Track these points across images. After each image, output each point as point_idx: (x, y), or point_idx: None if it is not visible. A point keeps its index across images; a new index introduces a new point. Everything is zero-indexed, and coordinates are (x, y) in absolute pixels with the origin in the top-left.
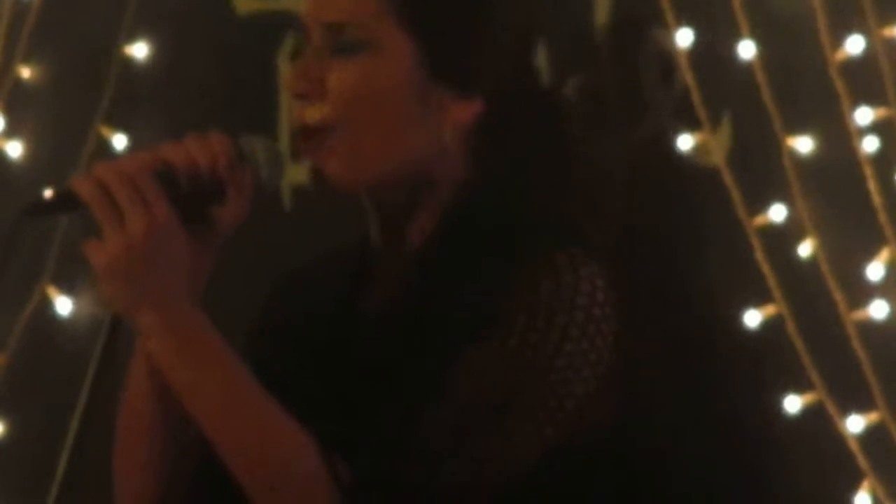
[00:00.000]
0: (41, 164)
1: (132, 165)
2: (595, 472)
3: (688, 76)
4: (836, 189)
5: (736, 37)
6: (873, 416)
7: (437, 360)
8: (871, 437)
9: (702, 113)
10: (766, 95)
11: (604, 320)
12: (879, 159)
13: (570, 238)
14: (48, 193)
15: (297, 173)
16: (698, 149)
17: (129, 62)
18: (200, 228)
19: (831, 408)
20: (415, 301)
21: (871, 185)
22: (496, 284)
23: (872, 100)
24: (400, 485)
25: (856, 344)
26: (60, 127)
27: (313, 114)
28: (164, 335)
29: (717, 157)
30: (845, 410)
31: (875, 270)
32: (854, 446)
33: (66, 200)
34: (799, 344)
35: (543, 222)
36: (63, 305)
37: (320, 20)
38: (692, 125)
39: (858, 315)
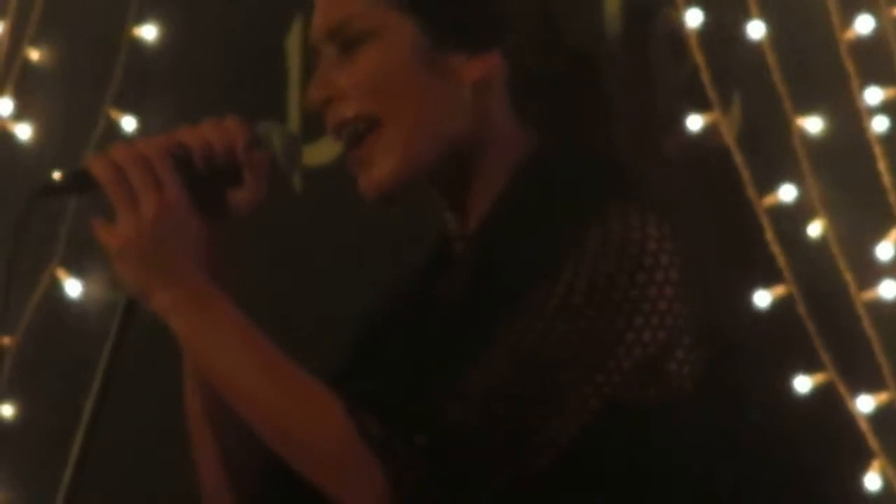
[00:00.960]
0: (50, 147)
1: (148, 147)
2: (651, 436)
3: (697, 56)
4: (846, 169)
5: (745, 17)
6: (883, 397)
7: (491, 318)
8: (881, 417)
9: (712, 93)
10: (776, 76)
11: (657, 269)
12: (889, 139)
13: (624, 188)
14: (60, 174)
15: (308, 156)
16: (708, 129)
17: (138, 44)
18: (216, 211)
19: (841, 388)
20: (470, 267)
21: (881, 165)
22: (548, 239)
23: (882, 80)
24: (439, 436)
25: (866, 324)
26: (70, 109)
27: (337, 114)
28: (180, 313)
29: (727, 138)
30: (855, 391)
31: (885, 250)
32: (864, 426)
33: (79, 180)
34: (809, 324)
35: (598, 177)
36: (73, 288)
37: (325, 29)
38: (702, 105)
39: (868, 295)
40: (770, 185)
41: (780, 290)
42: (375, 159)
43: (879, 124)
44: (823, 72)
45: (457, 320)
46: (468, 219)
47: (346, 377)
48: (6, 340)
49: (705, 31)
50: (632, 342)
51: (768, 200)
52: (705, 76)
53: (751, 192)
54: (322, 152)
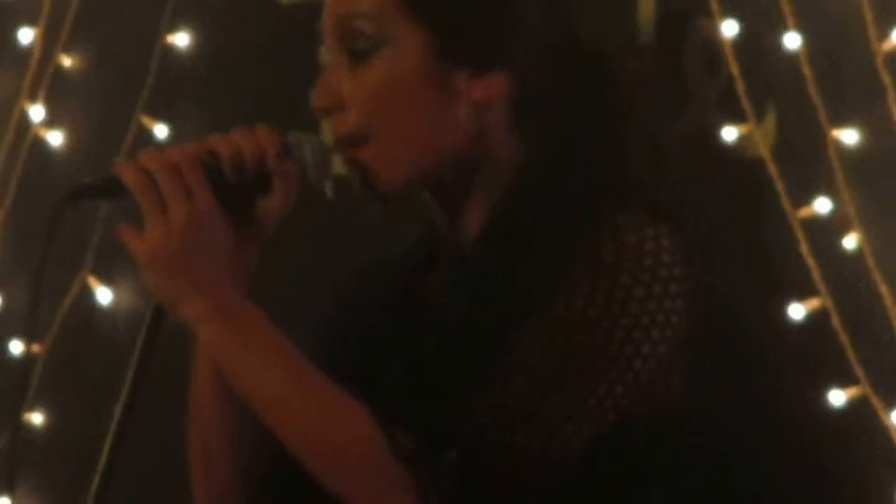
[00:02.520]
0: (82, 154)
1: (178, 154)
2: (656, 448)
3: (733, 67)
4: (882, 181)
5: (781, 28)
6: None
7: (505, 332)
8: None
9: (746, 104)
10: (812, 87)
11: (671, 281)
12: None
13: (634, 200)
14: (89, 179)
15: (340, 164)
16: (742, 140)
17: (170, 51)
18: (245, 220)
19: (876, 402)
20: (478, 278)
21: None
22: (559, 251)
23: None
24: (470, 452)
25: None
26: (101, 116)
27: (342, 125)
28: (208, 322)
29: (762, 149)
30: (890, 404)
31: None
32: None
33: (109, 186)
34: (843, 337)
35: (604, 186)
36: (103, 295)
37: (334, 15)
38: (736, 117)
39: None
40: (805, 198)
41: (814, 302)
42: (370, 170)
43: None
44: (859, 83)
45: (471, 331)
46: (462, 223)
47: (352, 382)
48: (36, 348)
49: (741, 42)
50: (648, 354)
51: (803, 213)
52: (740, 87)
53: (785, 204)
54: None
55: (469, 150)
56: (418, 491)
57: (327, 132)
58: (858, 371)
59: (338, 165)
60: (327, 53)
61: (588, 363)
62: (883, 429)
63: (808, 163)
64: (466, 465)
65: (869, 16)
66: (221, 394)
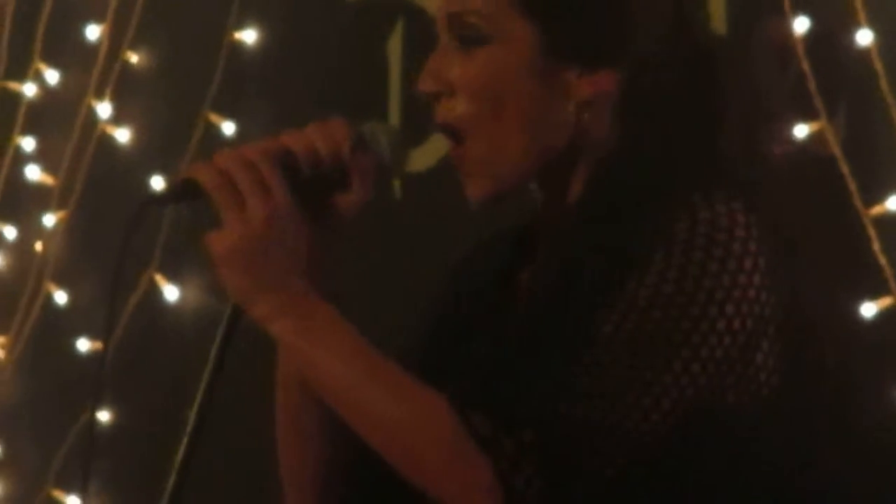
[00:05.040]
0: (149, 151)
1: (253, 152)
2: (739, 440)
3: (804, 64)
4: None
5: (853, 24)
6: None
7: (583, 307)
8: None
9: (818, 101)
10: (883, 83)
11: (746, 256)
12: None
13: (713, 180)
14: (165, 184)
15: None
16: (814, 137)
17: (238, 48)
18: (322, 215)
19: None
20: (563, 257)
21: None
22: (635, 229)
23: None
24: (545, 430)
25: None
26: (168, 113)
27: (447, 112)
28: (283, 318)
29: (834, 146)
30: None
31: None
32: None
33: (184, 189)
34: None
35: (684, 165)
36: (170, 293)
37: (446, 10)
38: (808, 114)
39: None
40: (877, 195)
41: (886, 301)
42: (475, 169)
43: None
44: None
45: (550, 312)
46: (560, 201)
47: (433, 364)
48: (104, 346)
49: (812, 38)
50: (723, 330)
51: (875, 210)
52: (811, 84)
53: (857, 201)
54: (423, 158)
55: (568, 146)
56: (497, 474)
57: (395, 119)
58: None
59: (416, 162)
60: (439, 35)
61: (662, 339)
62: None
63: (880, 160)
64: (543, 444)
65: None
66: (305, 389)
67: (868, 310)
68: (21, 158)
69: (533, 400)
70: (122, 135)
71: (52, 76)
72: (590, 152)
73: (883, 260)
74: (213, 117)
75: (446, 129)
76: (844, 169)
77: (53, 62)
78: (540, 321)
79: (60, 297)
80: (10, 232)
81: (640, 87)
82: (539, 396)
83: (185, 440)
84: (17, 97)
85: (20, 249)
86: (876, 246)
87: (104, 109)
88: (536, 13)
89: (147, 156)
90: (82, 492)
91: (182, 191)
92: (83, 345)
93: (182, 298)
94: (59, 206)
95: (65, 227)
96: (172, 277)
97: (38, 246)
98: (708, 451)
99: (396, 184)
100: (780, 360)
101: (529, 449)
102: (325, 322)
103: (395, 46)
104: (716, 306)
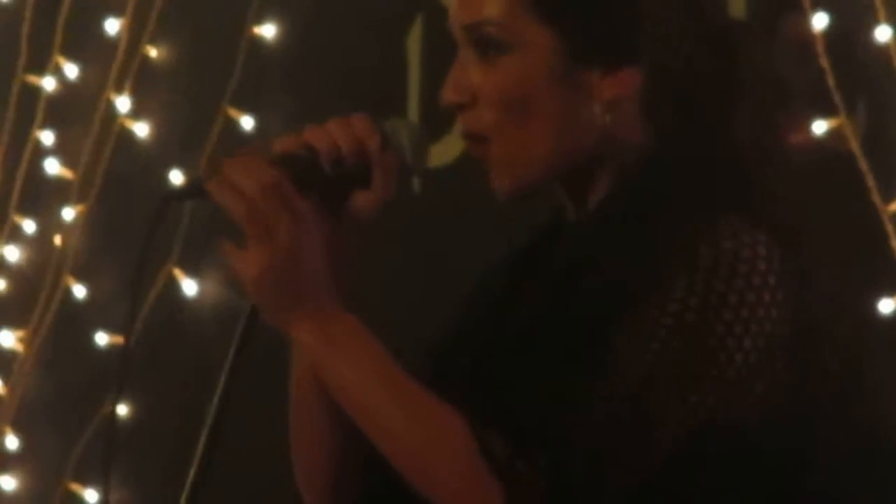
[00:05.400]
0: (168, 145)
1: (266, 176)
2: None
3: (823, 60)
4: None
5: (872, 20)
6: None
7: (598, 327)
8: None
9: (837, 97)
10: None
11: (765, 289)
12: None
13: (736, 205)
14: (184, 178)
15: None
16: (833, 133)
17: (257, 42)
18: (345, 212)
19: None
20: (577, 266)
21: None
22: (658, 251)
23: None
24: (560, 459)
25: None
26: (188, 108)
27: (473, 122)
28: (305, 331)
29: (852, 143)
30: None
31: None
32: None
33: (204, 188)
34: None
35: (710, 189)
36: (189, 287)
37: (460, 23)
38: (827, 110)
39: None
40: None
41: None
42: (501, 169)
43: None
44: None
45: (567, 331)
46: (586, 204)
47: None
48: (123, 339)
49: (831, 35)
50: (741, 363)
51: (894, 207)
52: (831, 80)
53: (875, 198)
54: (442, 153)
55: (596, 147)
56: (510, 498)
57: (414, 114)
58: None
59: (436, 157)
60: (458, 44)
61: (681, 372)
62: None
63: None
64: (556, 470)
65: None
66: (319, 389)
67: (886, 306)
68: (40, 152)
69: (549, 425)
70: (142, 129)
71: (71, 70)
72: (618, 155)
73: None
74: (233, 112)
75: (472, 139)
76: (863, 165)
77: (73, 56)
78: (555, 330)
79: (79, 291)
80: (30, 226)
81: (663, 82)
82: (555, 422)
83: (204, 434)
84: (36, 91)
85: (40, 243)
86: (894, 242)
87: (123, 103)
88: (553, 18)
89: (166, 150)
90: (104, 485)
91: (200, 190)
92: (102, 339)
93: (201, 293)
94: (78, 200)
95: (84, 220)
96: (191, 272)
97: (58, 240)
98: (713, 460)
99: (415, 180)
100: (788, 375)
101: (543, 474)
102: (348, 333)
103: (414, 41)
104: (734, 339)
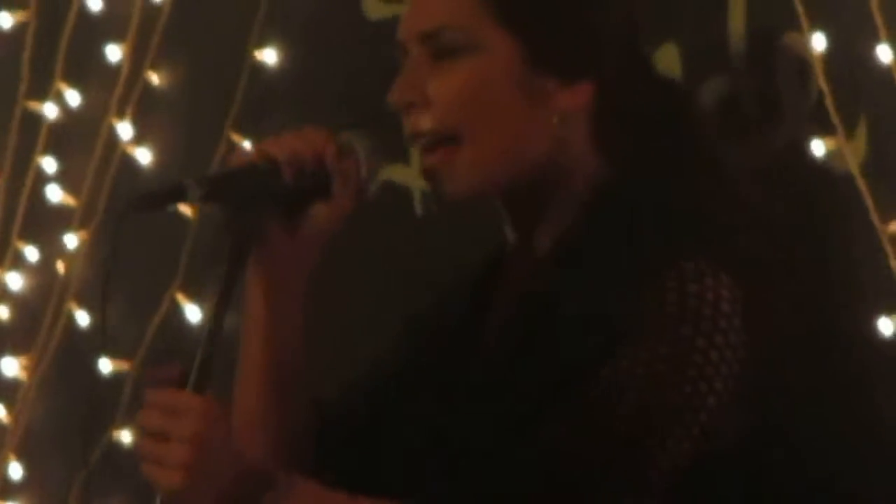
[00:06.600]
0: (170, 171)
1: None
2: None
3: (822, 81)
4: None
5: (873, 40)
6: None
7: (567, 374)
8: None
9: (836, 118)
10: None
11: (731, 331)
12: None
13: (700, 245)
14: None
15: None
16: (832, 154)
17: (259, 68)
18: (306, 225)
19: None
20: (542, 309)
21: None
22: (624, 296)
23: None
24: None
25: None
26: (190, 133)
27: (421, 123)
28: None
29: (851, 164)
30: None
31: None
32: None
33: (169, 195)
34: None
35: (674, 227)
36: (192, 313)
37: (418, 31)
38: (826, 131)
39: None
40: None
41: None
42: (448, 174)
43: None
44: None
45: (537, 384)
46: (531, 243)
47: (400, 435)
48: (125, 365)
49: (831, 55)
50: (713, 406)
51: (893, 227)
52: (830, 101)
53: (875, 218)
54: None
55: (549, 162)
56: None
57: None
58: None
59: (397, 175)
60: (406, 53)
61: (656, 419)
62: None
63: None
64: None
65: None
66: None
67: (886, 326)
68: (42, 179)
69: (509, 482)
70: (144, 155)
71: (73, 96)
72: (570, 185)
73: None
74: (235, 137)
75: (417, 138)
76: (862, 186)
77: (75, 82)
78: (512, 385)
79: (82, 318)
80: (32, 253)
81: (615, 102)
82: (520, 476)
83: None
84: (38, 117)
85: (42, 270)
86: (894, 263)
87: (125, 130)
88: (515, 23)
89: (169, 176)
90: None
91: (166, 198)
92: (105, 365)
93: (205, 318)
94: (80, 227)
95: (87, 247)
96: (195, 297)
97: (60, 266)
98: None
99: (417, 200)
100: (762, 412)
101: None
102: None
103: None
104: (705, 382)
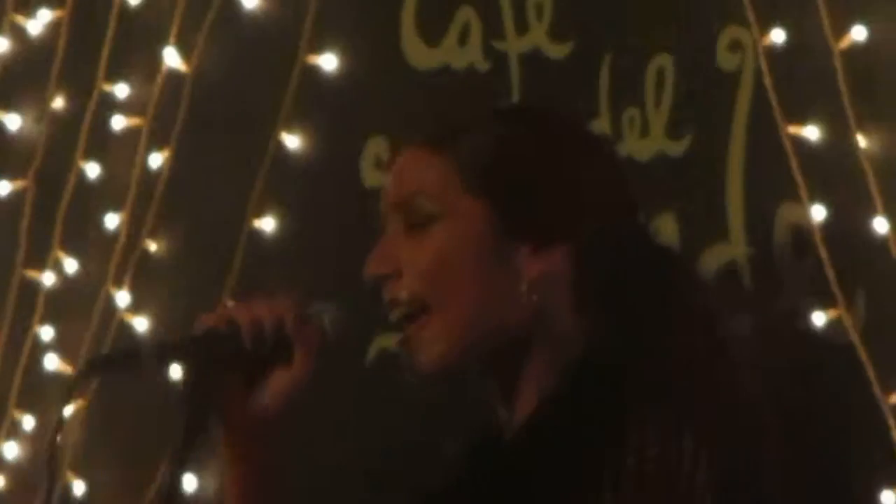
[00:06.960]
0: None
1: None
2: None
3: (822, 251)
4: None
5: (870, 212)
6: None
7: None
8: None
9: (835, 289)
10: None
11: (694, 492)
12: None
13: (670, 409)
14: (183, 376)
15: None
16: (832, 325)
17: (256, 236)
18: (262, 390)
19: None
20: (518, 473)
21: None
22: (587, 462)
23: None
24: None
25: None
26: (187, 301)
27: (399, 291)
28: None
29: (852, 335)
30: None
31: None
32: None
33: (125, 359)
34: None
35: (645, 390)
36: (189, 483)
37: (393, 199)
38: (826, 301)
39: None
40: None
41: None
42: (423, 345)
43: None
44: None
45: None
46: (515, 410)
47: None
48: None
49: (829, 226)
50: None
51: (895, 399)
52: (829, 271)
53: (876, 390)
54: None
55: (525, 328)
56: None
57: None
58: None
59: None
60: (387, 224)
61: None
62: None
63: None
64: None
65: None
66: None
67: (888, 499)
68: (40, 348)
69: None
70: (141, 323)
71: (70, 265)
72: (551, 345)
73: None
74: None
75: (394, 308)
76: (863, 356)
77: (72, 251)
78: None
79: (78, 488)
80: (29, 422)
81: (591, 268)
82: None
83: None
84: (35, 286)
85: (39, 439)
86: (895, 435)
87: (123, 298)
88: (486, 192)
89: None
90: None
91: (124, 359)
92: None
93: (200, 488)
94: (77, 396)
95: (83, 415)
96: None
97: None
98: None
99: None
100: None
101: None
102: None
103: None
104: None
